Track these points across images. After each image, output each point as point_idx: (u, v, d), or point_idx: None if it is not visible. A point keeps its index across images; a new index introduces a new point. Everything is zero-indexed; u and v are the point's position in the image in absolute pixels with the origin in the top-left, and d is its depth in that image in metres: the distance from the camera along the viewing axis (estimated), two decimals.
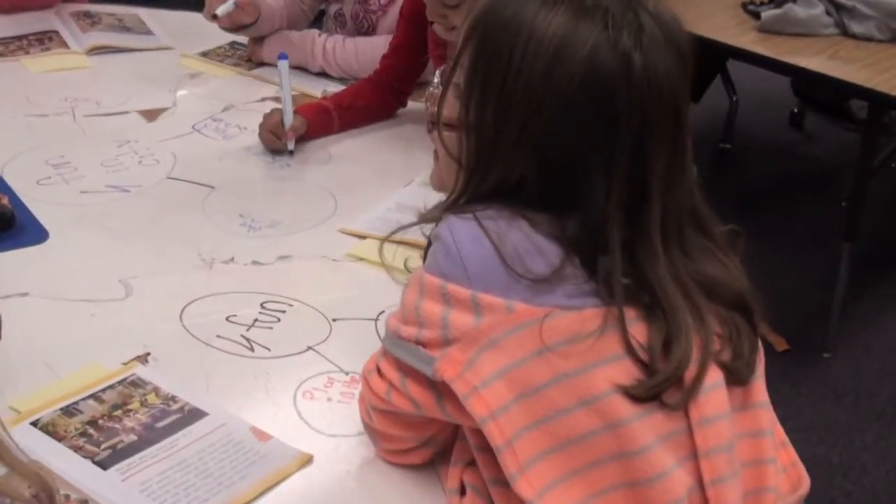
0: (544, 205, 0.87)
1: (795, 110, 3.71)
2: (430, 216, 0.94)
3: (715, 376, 0.88)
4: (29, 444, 0.99)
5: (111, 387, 1.13)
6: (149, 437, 1.06)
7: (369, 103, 1.89)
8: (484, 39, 0.88)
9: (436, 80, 1.02)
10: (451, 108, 0.92)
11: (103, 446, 1.04)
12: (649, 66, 0.84)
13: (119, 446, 1.04)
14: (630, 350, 0.85)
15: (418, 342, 0.87)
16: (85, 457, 1.02)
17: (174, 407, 1.10)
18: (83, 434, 1.05)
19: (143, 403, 1.11)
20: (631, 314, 0.86)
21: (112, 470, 1.01)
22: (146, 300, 1.31)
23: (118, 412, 1.09)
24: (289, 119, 1.74)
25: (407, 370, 0.90)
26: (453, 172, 0.93)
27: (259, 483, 1.02)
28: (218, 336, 1.23)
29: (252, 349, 1.21)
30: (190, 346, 1.21)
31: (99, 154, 1.71)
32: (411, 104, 1.96)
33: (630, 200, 0.85)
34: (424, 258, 0.93)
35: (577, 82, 0.83)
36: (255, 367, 1.19)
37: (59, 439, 1.05)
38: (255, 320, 1.27)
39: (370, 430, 1.01)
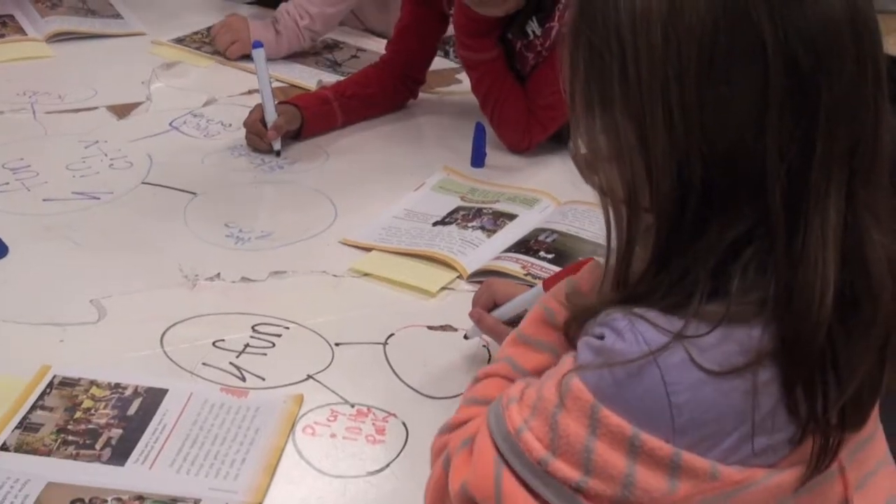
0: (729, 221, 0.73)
1: None
2: (601, 304, 0.79)
3: None
4: (14, 466, 1.04)
5: (45, 393, 1.16)
6: (133, 425, 1.11)
7: (377, 92, 1.91)
8: (584, 36, 0.77)
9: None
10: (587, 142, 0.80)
11: (98, 447, 1.08)
12: None
13: (113, 441, 1.09)
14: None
15: (578, 490, 0.76)
16: (90, 461, 1.06)
17: (128, 393, 1.16)
18: (65, 443, 1.08)
19: (94, 398, 1.14)
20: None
21: (130, 463, 1.06)
22: (121, 323, 1.32)
23: (79, 414, 1.12)
24: (270, 115, 1.76)
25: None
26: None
27: (278, 429, 1.12)
28: (204, 364, 1.24)
29: (243, 379, 1.23)
30: (172, 375, 1.22)
31: (64, 156, 1.74)
32: (422, 95, 1.98)
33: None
34: (567, 334, 0.83)
35: (709, 22, 0.71)
36: None
37: (46, 454, 1.07)
38: (246, 346, 1.29)
39: None
